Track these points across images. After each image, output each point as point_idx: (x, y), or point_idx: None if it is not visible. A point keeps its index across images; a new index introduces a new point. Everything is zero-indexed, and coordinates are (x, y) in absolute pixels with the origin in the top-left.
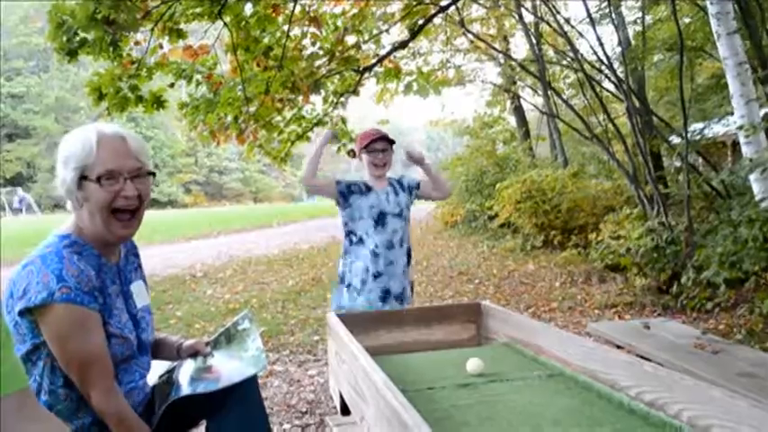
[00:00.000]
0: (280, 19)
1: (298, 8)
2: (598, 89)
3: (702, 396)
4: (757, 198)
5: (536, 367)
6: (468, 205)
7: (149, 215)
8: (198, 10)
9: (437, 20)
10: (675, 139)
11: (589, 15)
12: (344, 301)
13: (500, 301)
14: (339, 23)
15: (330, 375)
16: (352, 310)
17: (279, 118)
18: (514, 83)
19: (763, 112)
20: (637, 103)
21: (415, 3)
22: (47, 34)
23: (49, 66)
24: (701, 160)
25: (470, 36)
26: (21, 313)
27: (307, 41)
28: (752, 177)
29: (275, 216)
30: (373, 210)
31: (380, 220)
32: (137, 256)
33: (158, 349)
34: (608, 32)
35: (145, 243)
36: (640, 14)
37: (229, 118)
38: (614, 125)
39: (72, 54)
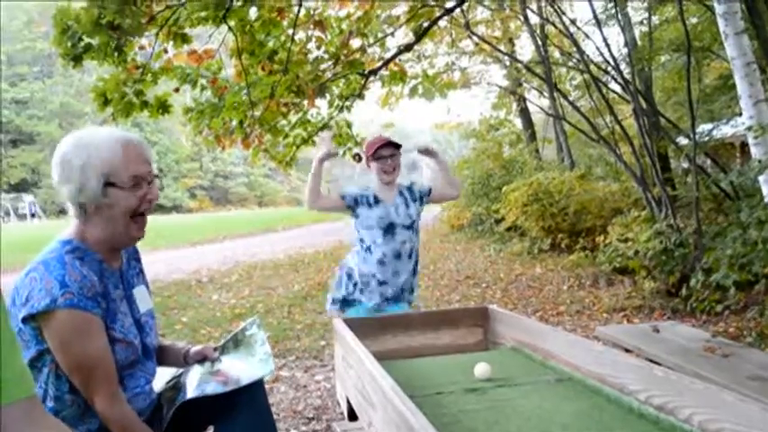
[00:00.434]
0: (284, 23)
1: (302, 12)
2: (604, 90)
3: (713, 400)
4: (766, 199)
5: (544, 371)
6: (474, 208)
7: (154, 220)
8: (202, 14)
9: (442, 22)
10: (683, 141)
11: (595, 16)
12: (343, 291)
13: (507, 305)
14: (344, 27)
15: (337, 381)
16: (351, 305)
17: (284, 122)
18: (520, 85)
19: None
20: (644, 105)
21: (419, 5)
22: (52, 39)
23: (53, 71)
24: (709, 162)
25: (476, 38)
26: (24, 320)
27: (312, 45)
28: (761, 179)
29: (280, 220)
30: (382, 220)
31: (389, 230)
32: (138, 260)
33: (165, 356)
34: (614, 33)
35: (149, 248)
36: (647, 15)
37: (234, 122)
38: (621, 127)
39: (77, 59)
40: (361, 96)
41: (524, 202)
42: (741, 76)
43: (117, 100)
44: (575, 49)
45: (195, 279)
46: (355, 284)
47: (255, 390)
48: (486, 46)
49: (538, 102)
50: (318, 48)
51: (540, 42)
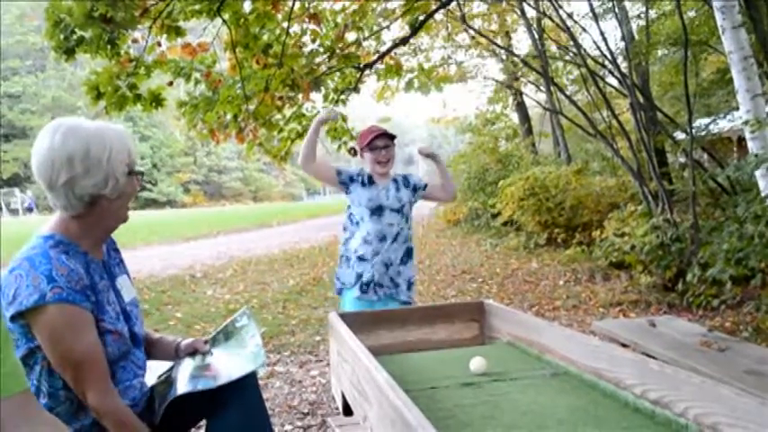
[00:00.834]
0: (279, 16)
1: (297, 5)
2: (601, 85)
3: (709, 394)
4: (763, 194)
5: (540, 366)
6: (470, 203)
7: (148, 215)
8: (196, 7)
9: (438, 15)
10: (680, 135)
11: (592, 10)
12: (344, 276)
13: (503, 299)
14: (339, 20)
15: (332, 376)
16: (349, 288)
17: (279, 116)
18: (517, 79)
19: None
20: (641, 99)
21: None
22: (44, 32)
23: (45, 65)
24: (706, 156)
25: (472, 32)
26: (12, 318)
27: (306, 38)
28: (758, 173)
29: (275, 215)
30: (371, 202)
31: (377, 211)
32: (117, 251)
33: (156, 350)
34: (611, 27)
35: (143, 243)
36: (644, 9)
37: (229, 116)
38: (618, 121)
39: (69, 52)
40: (356, 90)
41: (521, 196)
42: (738, 70)
43: (110, 93)
44: (572, 42)
45: (189, 274)
46: (348, 260)
47: (248, 384)
48: (482, 39)
49: (534, 96)
50: (313, 41)
51: (536, 36)
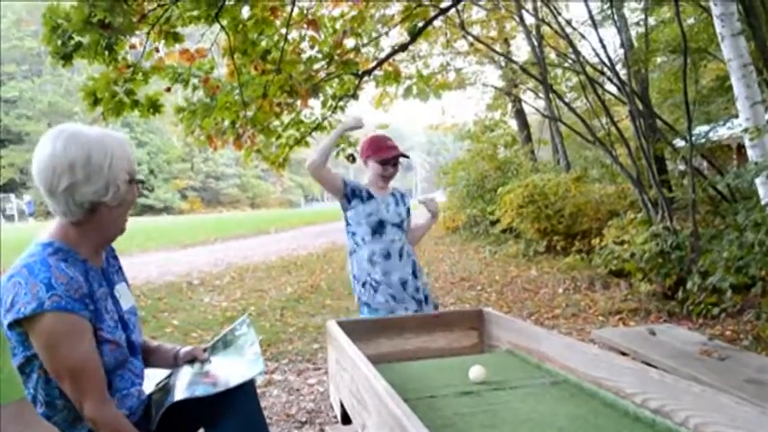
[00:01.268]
0: (277, 22)
1: (296, 11)
2: (600, 92)
3: (710, 403)
4: (763, 202)
5: (539, 374)
6: (469, 210)
7: (145, 222)
8: (195, 13)
9: (437, 22)
10: (680, 143)
11: (591, 17)
12: (365, 297)
13: (502, 307)
14: (338, 26)
15: (330, 384)
16: (375, 307)
17: (277, 122)
18: (516, 86)
19: None
20: (640, 106)
21: (414, 5)
22: (41, 37)
23: (41, 70)
24: (705, 164)
25: (471, 39)
26: (10, 326)
27: (305, 45)
28: (758, 181)
29: (273, 222)
30: (371, 218)
31: (378, 229)
32: (116, 258)
33: (154, 357)
34: (610, 34)
35: (140, 250)
36: (643, 16)
37: (226, 122)
38: (617, 128)
39: (67, 58)
40: (354, 97)
41: (519, 203)
42: (738, 77)
43: (107, 99)
44: (570, 49)
45: (186, 281)
46: (365, 284)
47: (246, 392)
48: (481, 46)
49: (533, 103)
50: (312, 47)
51: (535, 43)
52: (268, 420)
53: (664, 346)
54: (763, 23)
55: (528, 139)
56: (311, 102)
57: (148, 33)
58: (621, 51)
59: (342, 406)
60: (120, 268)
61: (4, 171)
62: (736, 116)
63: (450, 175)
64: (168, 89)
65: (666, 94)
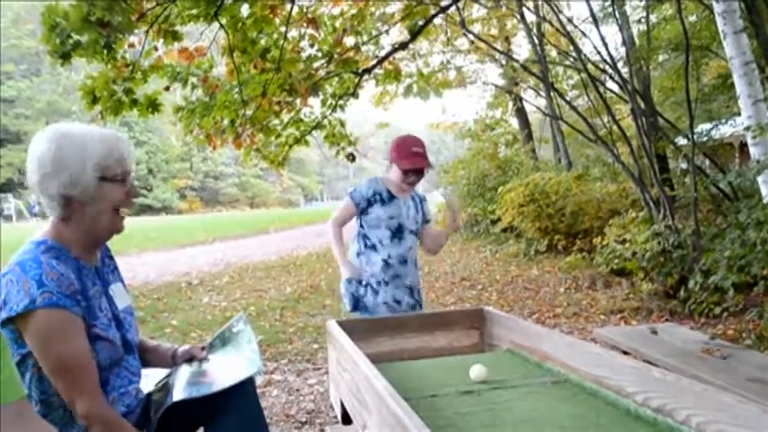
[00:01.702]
0: (277, 20)
1: (295, 9)
2: (602, 90)
3: (711, 402)
4: (765, 200)
5: (541, 373)
6: (470, 209)
7: (143, 221)
8: (194, 11)
9: (437, 20)
10: (681, 141)
11: (592, 15)
12: (362, 297)
13: (503, 307)
14: (337, 25)
15: (330, 384)
16: (373, 309)
17: (276, 121)
18: (516, 84)
19: None
20: (642, 104)
21: (414, 3)
22: (40, 36)
23: (40, 69)
24: (707, 162)
25: (471, 37)
26: (3, 324)
27: (305, 43)
28: (760, 179)
29: (272, 222)
30: (392, 221)
31: (398, 233)
32: (111, 258)
33: (152, 357)
34: (612, 32)
35: (138, 250)
36: (645, 13)
37: (226, 121)
38: (619, 127)
39: (65, 57)
40: (354, 95)
41: (520, 202)
42: (740, 75)
43: (106, 98)
44: (572, 47)
45: (185, 281)
46: (367, 285)
47: (245, 391)
48: (481, 44)
49: (534, 101)
50: (311, 46)
51: (536, 41)
52: (268, 420)
53: (665, 345)
54: (765, 21)
55: (529, 137)
56: (311, 100)
57: (147, 32)
58: (623, 49)
59: (342, 406)
60: (116, 268)
61: (2, 171)
62: (739, 114)
63: (450, 174)
64: (167, 88)
65: (668, 92)
